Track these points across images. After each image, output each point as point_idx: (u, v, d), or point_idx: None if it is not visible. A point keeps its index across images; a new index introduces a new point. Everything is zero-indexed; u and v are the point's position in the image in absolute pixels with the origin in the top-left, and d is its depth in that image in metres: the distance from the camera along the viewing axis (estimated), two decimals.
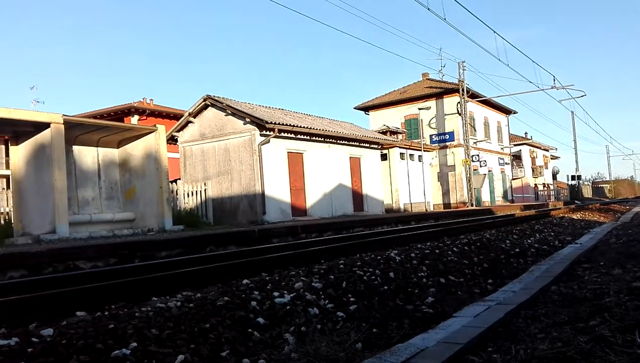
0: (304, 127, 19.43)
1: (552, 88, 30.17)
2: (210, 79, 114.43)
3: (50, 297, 4.57)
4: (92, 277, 5.95)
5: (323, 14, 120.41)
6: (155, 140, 13.37)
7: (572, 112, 48.52)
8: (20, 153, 12.03)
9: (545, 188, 51.28)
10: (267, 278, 4.92)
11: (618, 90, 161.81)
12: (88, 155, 13.31)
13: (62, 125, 11.41)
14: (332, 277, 4.87)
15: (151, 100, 29.54)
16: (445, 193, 33.03)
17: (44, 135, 11.43)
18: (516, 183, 43.49)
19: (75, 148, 12.97)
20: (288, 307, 3.78)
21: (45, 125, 11.32)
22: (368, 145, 23.92)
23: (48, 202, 11.18)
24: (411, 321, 3.63)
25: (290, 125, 18.81)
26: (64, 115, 11.62)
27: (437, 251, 6.98)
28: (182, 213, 16.46)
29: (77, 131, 12.54)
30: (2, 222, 13.76)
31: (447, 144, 32.80)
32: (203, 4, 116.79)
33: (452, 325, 3.28)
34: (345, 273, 5.09)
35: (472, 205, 30.48)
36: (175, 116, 26.44)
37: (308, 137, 19.99)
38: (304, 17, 25.37)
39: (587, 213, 20.41)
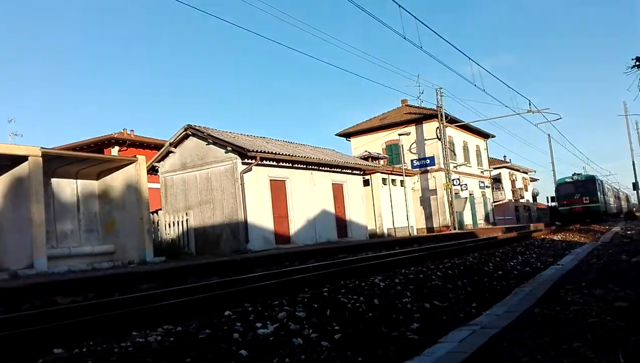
0: (286, 155, 19.47)
1: (528, 112, 30.80)
2: (191, 111, 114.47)
3: (26, 334, 4.43)
4: (70, 312, 5.79)
5: (304, 44, 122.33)
6: (136, 171, 13.26)
7: (549, 135, 49.40)
8: None
9: (526, 210, 51.92)
10: (250, 309, 4.84)
11: (591, 113, 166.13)
12: (67, 188, 13.13)
13: (40, 158, 11.27)
14: (316, 305, 4.82)
15: (132, 131, 29.44)
16: (428, 217, 33.21)
17: (22, 169, 11.27)
18: (497, 206, 43.96)
19: (54, 180, 12.80)
20: (271, 338, 3.72)
21: (23, 159, 11.17)
22: (350, 171, 24.04)
23: (26, 236, 10.94)
24: (396, 348, 3.60)
25: (272, 152, 18.85)
26: (42, 148, 11.49)
27: (421, 276, 6.97)
28: (164, 244, 16.23)
29: (55, 164, 12.38)
30: None
31: (428, 168, 33.11)
32: (183, 38, 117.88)
33: (437, 351, 3.26)
34: (329, 301, 5.05)
35: (455, 228, 30.65)
36: (156, 146, 26.31)
37: (290, 165, 20.04)
38: (284, 47, 25.72)
39: (567, 234, 20.65)
